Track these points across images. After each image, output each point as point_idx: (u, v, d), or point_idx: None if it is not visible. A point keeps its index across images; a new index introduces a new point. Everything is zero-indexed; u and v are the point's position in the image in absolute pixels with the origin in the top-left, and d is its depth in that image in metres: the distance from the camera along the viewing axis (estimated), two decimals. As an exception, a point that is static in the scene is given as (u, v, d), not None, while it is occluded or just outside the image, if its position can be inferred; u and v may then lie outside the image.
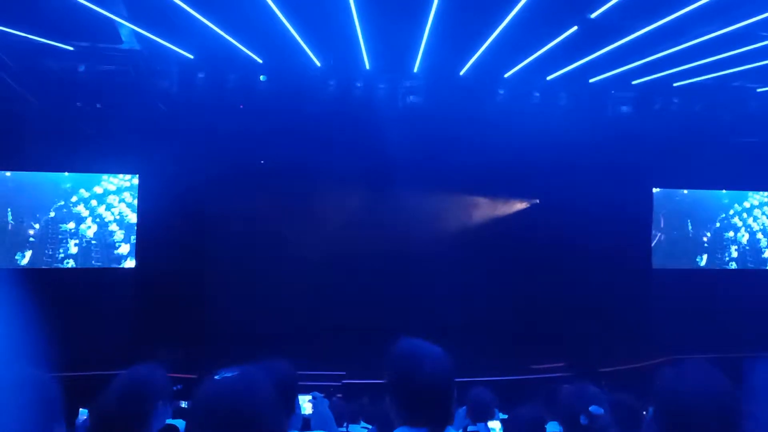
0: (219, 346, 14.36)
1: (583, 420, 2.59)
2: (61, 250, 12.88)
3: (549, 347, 13.34)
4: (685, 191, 15.51)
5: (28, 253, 12.63)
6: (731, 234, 15.64)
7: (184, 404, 6.82)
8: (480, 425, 3.43)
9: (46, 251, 12.80)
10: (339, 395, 9.80)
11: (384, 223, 16.83)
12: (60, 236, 12.89)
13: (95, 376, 9.56)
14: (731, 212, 15.73)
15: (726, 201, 15.75)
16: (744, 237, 15.68)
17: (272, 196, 16.91)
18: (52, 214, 12.89)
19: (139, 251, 12.71)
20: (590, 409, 2.57)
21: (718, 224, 15.62)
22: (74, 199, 13.08)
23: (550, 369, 11.97)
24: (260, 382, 1.23)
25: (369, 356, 12.20)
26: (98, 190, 13.28)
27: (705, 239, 15.51)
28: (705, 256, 15.45)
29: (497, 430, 3.65)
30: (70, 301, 11.48)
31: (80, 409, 4.68)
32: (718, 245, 15.57)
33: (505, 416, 4.54)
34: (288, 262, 16.03)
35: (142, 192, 12.66)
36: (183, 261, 13.11)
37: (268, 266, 15.71)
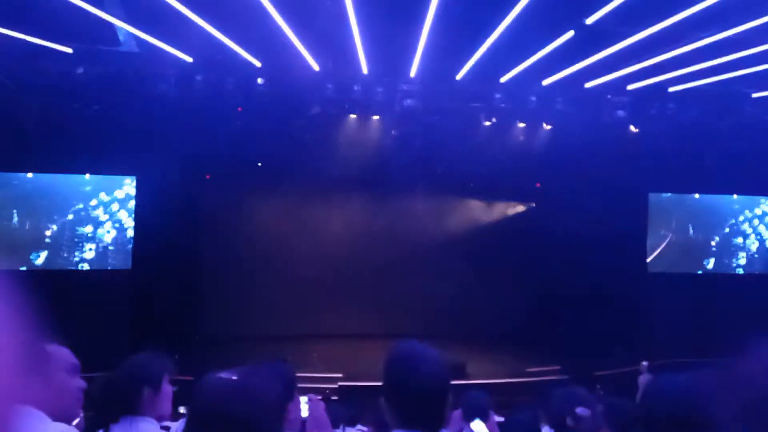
0: (215, 347, 14.35)
1: (569, 421, 2.61)
2: (76, 253, 12.66)
3: (545, 351, 13.36)
4: (697, 195, 15.49)
5: (44, 254, 12.43)
6: (740, 240, 15.61)
7: (182, 409, 6.82)
8: (465, 428, 3.45)
9: (62, 253, 12.57)
10: (335, 398, 9.80)
11: (381, 226, 16.85)
12: (76, 239, 12.67)
13: (93, 378, 9.52)
14: (741, 218, 15.70)
15: (737, 207, 15.73)
16: (754, 244, 15.59)
17: (269, 199, 16.93)
18: (71, 217, 12.66)
19: (135, 253, 12.64)
20: (576, 411, 2.59)
21: (727, 229, 15.58)
22: (94, 202, 12.83)
23: (546, 372, 11.99)
24: (263, 384, 1.25)
25: (365, 359, 12.23)
26: (119, 194, 13.02)
27: (713, 243, 15.48)
28: (712, 260, 15.42)
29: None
30: (65, 302, 11.43)
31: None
32: (726, 250, 15.55)
33: (502, 419, 4.56)
34: (285, 265, 16.03)
35: (139, 194, 12.62)
36: (180, 263, 13.09)
37: (264, 269, 15.70)
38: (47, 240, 12.52)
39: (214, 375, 1.36)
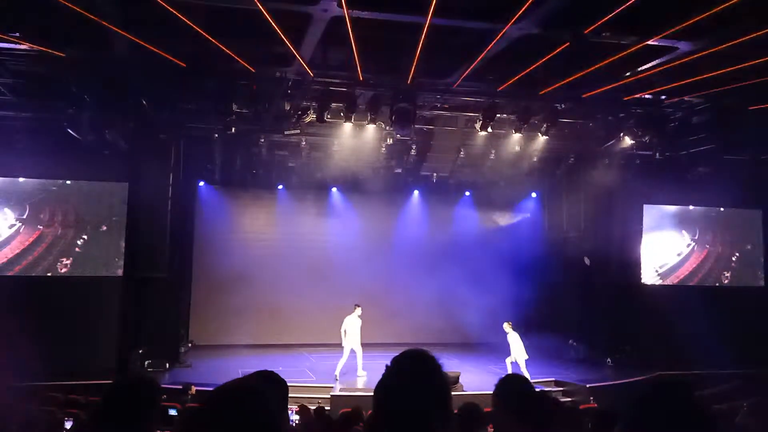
0: (205, 355, 14.24)
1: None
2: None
3: (541, 363, 13.26)
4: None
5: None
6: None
7: (173, 411, 6.80)
8: None
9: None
10: (327, 408, 9.71)
11: (376, 233, 16.84)
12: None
13: (83, 385, 9.44)
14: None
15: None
16: None
17: (263, 206, 16.90)
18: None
19: (128, 258, 12.42)
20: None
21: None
22: None
23: (541, 384, 11.91)
24: (264, 391, 1.22)
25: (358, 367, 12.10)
26: None
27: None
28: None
29: None
30: (60, 308, 11.30)
31: (65, 418, 4.62)
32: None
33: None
34: (278, 273, 15.94)
35: (132, 199, 12.41)
36: (171, 270, 12.93)
37: (257, 277, 15.59)
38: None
39: (219, 383, 1.34)
